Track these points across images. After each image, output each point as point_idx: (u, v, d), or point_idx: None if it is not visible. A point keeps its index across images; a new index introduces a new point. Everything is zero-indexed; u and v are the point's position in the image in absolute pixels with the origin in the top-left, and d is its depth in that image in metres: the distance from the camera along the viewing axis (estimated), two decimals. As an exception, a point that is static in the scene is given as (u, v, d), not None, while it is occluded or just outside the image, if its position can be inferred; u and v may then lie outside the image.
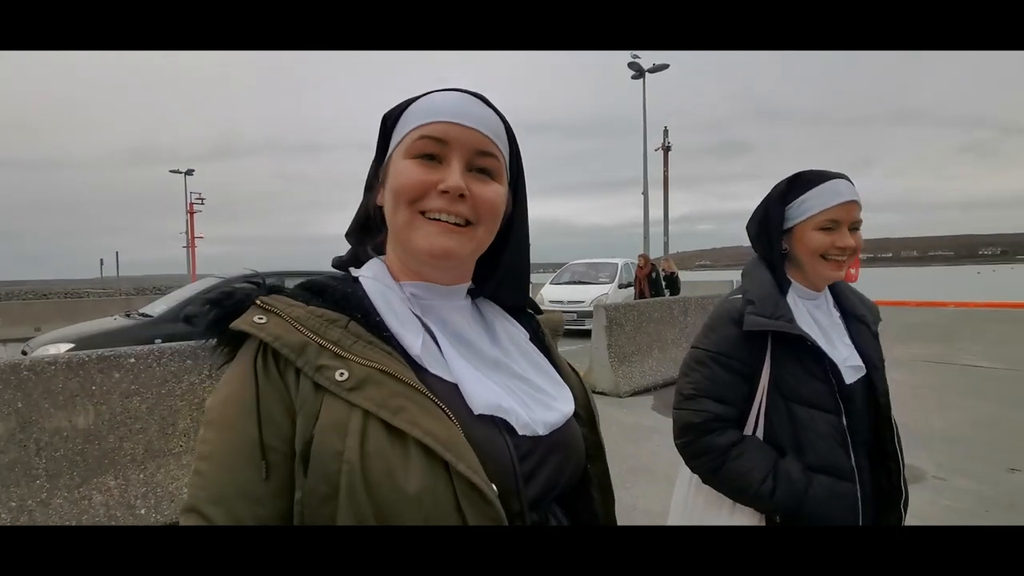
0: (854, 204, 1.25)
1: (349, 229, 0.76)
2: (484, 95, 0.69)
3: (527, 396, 0.67)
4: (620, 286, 11.46)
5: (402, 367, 0.59)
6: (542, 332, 0.80)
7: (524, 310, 0.79)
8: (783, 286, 1.29)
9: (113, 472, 2.79)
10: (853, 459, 1.21)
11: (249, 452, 0.55)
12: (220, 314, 0.60)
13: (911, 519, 1.28)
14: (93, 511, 2.69)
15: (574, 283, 11.85)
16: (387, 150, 0.70)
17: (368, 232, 0.74)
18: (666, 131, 23.94)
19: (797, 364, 1.22)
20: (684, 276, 14.37)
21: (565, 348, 7.96)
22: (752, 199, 1.57)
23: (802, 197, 1.28)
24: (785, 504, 1.16)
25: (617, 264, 12.00)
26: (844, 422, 1.21)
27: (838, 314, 1.35)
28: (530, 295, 0.80)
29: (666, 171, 23.49)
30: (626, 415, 5.16)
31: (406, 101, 0.70)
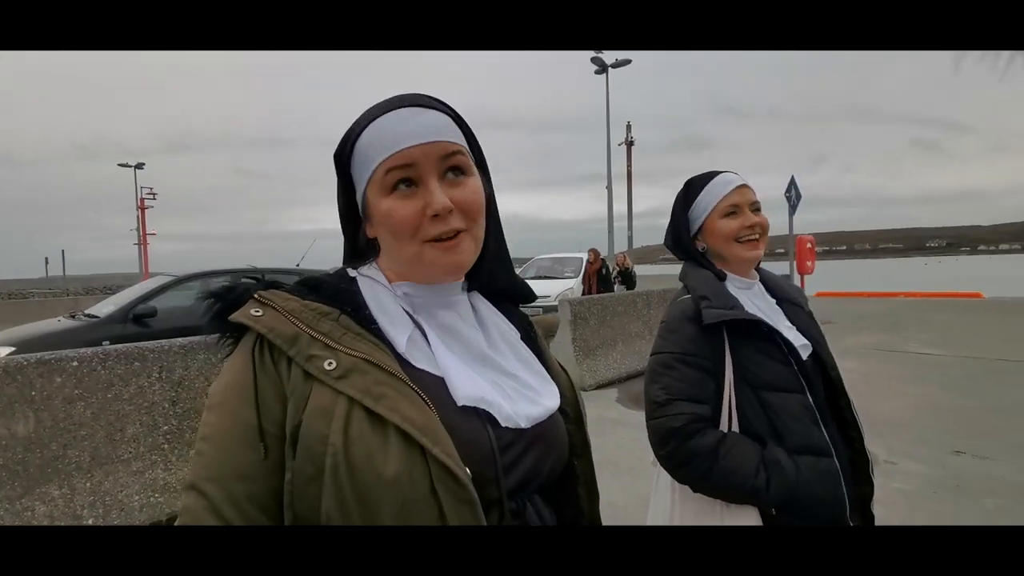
0: (746, 188, 1.35)
1: (344, 264, 0.78)
2: (422, 93, 0.70)
3: (512, 391, 0.69)
4: (585, 280, 11.54)
5: (386, 357, 0.62)
6: (534, 333, 0.82)
7: (519, 310, 0.82)
8: (720, 279, 1.34)
9: (57, 481, 2.65)
10: (826, 434, 1.23)
11: (245, 435, 0.59)
12: (222, 307, 0.64)
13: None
14: (37, 523, 2.55)
15: (539, 278, 11.89)
16: (350, 183, 0.72)
17: (361, 256, 0.76)
18: (629, 126, 24.23)
19: (756, 351, 1.24)
20: (648, 270, 14.51)
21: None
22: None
23: (699, 197, 1.38)
24: (781, 492, 1.15)
25: (582, 259, 12.06)
26: (811, 399, 1.24)
27: (773, 300, 1.39)
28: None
29: (629, 166, 23.79)
30: (591, 408, 5.16)
31: (349, 133, 0.70)
